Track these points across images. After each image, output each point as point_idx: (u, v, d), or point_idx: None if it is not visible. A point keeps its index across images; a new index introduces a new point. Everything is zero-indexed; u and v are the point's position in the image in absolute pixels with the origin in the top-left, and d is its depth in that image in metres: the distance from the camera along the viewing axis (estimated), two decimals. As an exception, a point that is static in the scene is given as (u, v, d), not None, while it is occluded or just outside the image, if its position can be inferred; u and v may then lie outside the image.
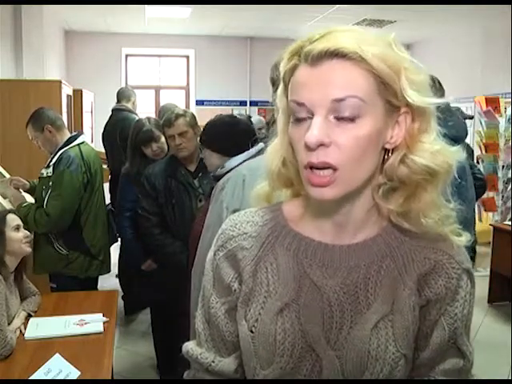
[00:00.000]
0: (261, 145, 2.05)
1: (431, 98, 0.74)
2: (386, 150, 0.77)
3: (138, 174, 2.86)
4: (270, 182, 0.87)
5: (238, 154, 1.95)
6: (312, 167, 0.72)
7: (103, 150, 4.48)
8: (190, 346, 0.92)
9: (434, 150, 0.75)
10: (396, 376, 0.80)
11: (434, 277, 0.81)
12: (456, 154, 0.77)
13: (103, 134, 4.53)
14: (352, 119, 0.70)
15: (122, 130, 4.17)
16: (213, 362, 0.88)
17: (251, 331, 0.82)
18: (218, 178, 1.99)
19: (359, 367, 0.79)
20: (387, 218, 0.82)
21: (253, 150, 1.98)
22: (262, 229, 0.85)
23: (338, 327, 0.79)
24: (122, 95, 4.73)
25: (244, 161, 1.94)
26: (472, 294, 0.84)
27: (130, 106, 4.62)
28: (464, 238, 0.81)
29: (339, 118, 0.71)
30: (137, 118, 3.92)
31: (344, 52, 0.70)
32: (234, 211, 1.19)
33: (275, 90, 1.23)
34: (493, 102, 5.51)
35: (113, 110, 4.63)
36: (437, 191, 0.78)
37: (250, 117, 3.57)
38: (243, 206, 1.18)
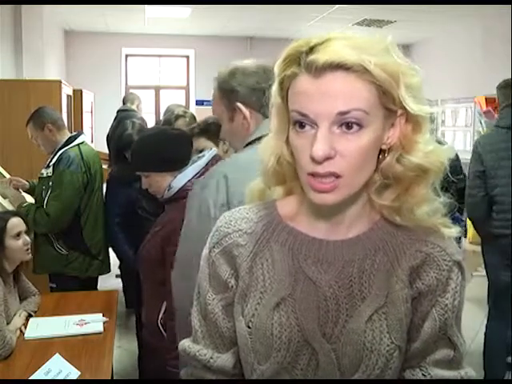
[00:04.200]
0: (211, 152, 1.87)
1: (427, 106, 0.77)
2: (381, 150, 0.79)
3: (124, 178, 2.80)
4: (265, 180, 0.89)
5: (181, 168, 1.79)
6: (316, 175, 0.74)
7: (103, 150, 4.51)
8: (186, 344, 0.93)
9: (427, 150, 0.78)
10: (391, 368, 0.81)
11: (426, 269, 0.83)
12: (448, 152, 0.81)
13: (107, 136, 4.62)
14: (356, 130, 0.72)
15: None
16: (211, 358, 0.89)
17: (248, 327, 0.83)
18: (168, 200, 1.82)
19: (355, 360, 0.80)
20: (380, 213, 0.84)
21: (201, 163, 1.82)
22: (256, 225, 0.87)
23: (334, 321, 0.81)
24: (126, 98, 5.09)
25: (194, 176, 1.77)
26: (463, 285, 0.85)
27: (134, 107, 4.82)
28: (454, 230, 0.84)
29: (343, 130, 0.73)
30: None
31: (348, 65, 0.71)
32: (222, 206, 1.20)
33: (229, 99, 1.32)
34: (493, 102, 5.51)
35: (117, 112, 4.76)
36: (428, 187, 0.81)
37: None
38: (230, 200, 1.20)
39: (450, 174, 0.81)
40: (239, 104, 1.35)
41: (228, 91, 1.36)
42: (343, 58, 0.71)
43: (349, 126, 0.72)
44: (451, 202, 0.83)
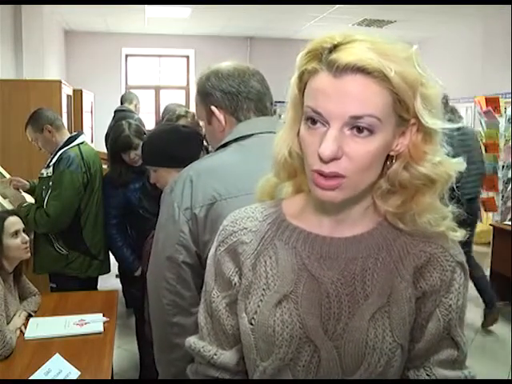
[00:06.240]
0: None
1: (441, 121, 0.77)
2: (389, 156, 0.79)
3: (120, 179, 2.82)
4: (276, 171, 0.89)
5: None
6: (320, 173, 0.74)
7: (103, 150, 4.51)
8: (192, 340, 0.95)
9: (435, 161, 0.78)
10: (393, 366, 0.82)
11: (429, 269, 0.83)
12: (457, 165, 0.80)
13: (105, 136, 4.60)
14: (366, 135, 0.73)
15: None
16: (215, 354, 0.91)
17: (251, 323, 0.85)
18: None
19: (357, 357, 0.81)
20: (383, 215, 0.84)
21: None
22: (261, 224, 0.88)
23: (336, 318, 0.81)
24: (124, 98, 5.06)
25: None
26: (466, 286, 0.86)
27: (131, 107, 4.77)
28: (459, 234, 0.84)
29: (354, 132, 0.73)
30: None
31: (369, 69, 0.71)
32: (186, 209, 1.22)
33: (206, 102, 1.34)
34: (493, 102, 5.51)
35: (114, 112, 4.75)
36: (434, 196, 0.81)
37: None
38: (194, 204, 1.23)
39: (455, 187, 0.82)
40: (213, 107, 1.35)
41: (204, 94, 1.36)
42: (365, 62, 0.70)
43: (360, 129, 0.72)
44: (459, 211, 0.83)
